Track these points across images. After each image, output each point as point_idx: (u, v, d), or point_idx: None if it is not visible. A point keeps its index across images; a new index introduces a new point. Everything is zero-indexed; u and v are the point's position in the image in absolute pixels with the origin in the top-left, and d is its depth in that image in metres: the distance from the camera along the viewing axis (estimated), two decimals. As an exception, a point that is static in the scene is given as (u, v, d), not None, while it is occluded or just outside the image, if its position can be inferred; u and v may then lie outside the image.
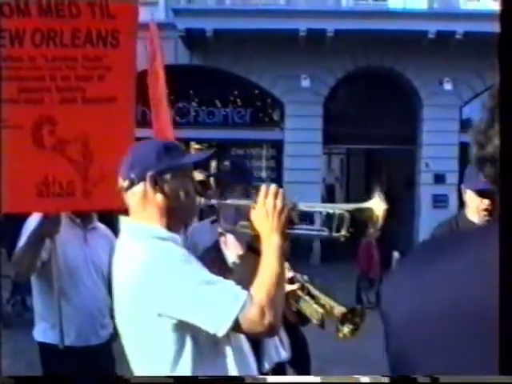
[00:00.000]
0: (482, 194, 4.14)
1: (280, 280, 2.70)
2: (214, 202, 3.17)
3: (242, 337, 2.86)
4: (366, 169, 23.43)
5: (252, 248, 3.00)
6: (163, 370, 2.66)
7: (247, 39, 16.97)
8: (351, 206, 2.98)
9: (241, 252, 3.51)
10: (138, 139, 4.83)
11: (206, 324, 2.54)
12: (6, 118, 4.14)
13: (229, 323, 2.51)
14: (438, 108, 17.83)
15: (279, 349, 3.83)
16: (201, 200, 3.03)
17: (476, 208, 4.24)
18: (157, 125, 5.25)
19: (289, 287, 3.36)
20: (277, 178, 18.40)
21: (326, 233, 2.98)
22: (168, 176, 2.78)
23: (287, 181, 17.74)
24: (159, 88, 5.50)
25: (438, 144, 17.80)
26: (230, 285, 2.61)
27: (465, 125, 17.99)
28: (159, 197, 2.76)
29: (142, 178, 2.76)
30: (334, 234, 2.93)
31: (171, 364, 2.65)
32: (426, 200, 18.34)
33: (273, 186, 2.83)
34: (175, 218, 2.83)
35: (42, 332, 4.64)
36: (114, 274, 2.84)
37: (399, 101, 18.45)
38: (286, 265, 3.04)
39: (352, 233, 2.90)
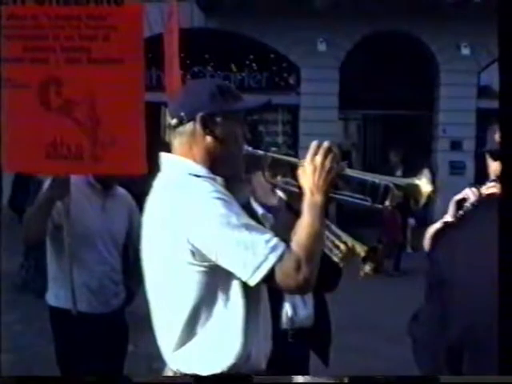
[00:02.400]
0: (493, 155, 4.01)
1: (319, 239, 2.66)
2: (261, 152, 3.06)
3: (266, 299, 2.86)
4: (382, 135, 23.30)
5: (290, 207, 2.97)
6: (188, 321, 2.65)
7: (263, 3, 16.80)
8: (399, 180, 2.92)
9: (272, 202, 3.57)
10: (150, 104, 4.82)
11: (240, 270, 2.52)
12: (12, 77, 4.12)
13: (263, 271, 2.48)
14: (456, 73, 17.67)
15: (298, 309, 3.83)
16: (248, 148, 2.94)
17: (492, 172, 4.14)
18: (169, 84, 5.20)
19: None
20: (292, 143, 18.36)
21: (369, 202, 2.94)
22: (219, 119, 2.74)
23: (303, 146, 17.66)
24: (173, 47, 5.47)
25: (455, 110, 17.67)
26: (269, 233, 2.57)
27: (482, 91, 17.84)
28: (208, 139, 2.73)
29: (192, 118, 2.72)
30: (377, 205, 2.91)
31: (197, 314, 2.64)
32: (442, 166, 18.25)
33: (325, 144, 2.76)
34: (221, 162, 2.77)
35: (54, 296, 4.64)
36: (146, 214, 2.80)
37: (416, 66, 18.30)
38: None
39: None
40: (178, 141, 2.78)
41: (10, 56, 4.11)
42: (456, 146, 18.15)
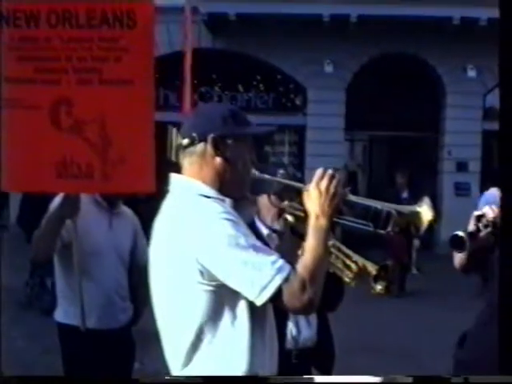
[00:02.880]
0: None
1: (323, 263, 2.72)
2: (267, 177, 3.14)
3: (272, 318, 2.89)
4: (388, 156, 23.32)
5: (295, 231, 3.01)
6: (195, 340, 2.68)
7: (270, 24, 16.89)
8: (401, 207, 2.99)
9: (277, 224, 3.63)
10: (160, 123, 4.86)
11: (247, 289, 2.56)
12: (23, 97, 4.17)
13: (270, 291, 2.52)
14: (462, 95, 17.72)
15: (302, 329, 3.85)
16: (255, 172, 3.01)
17: None
18: (183, 105, 5.25)
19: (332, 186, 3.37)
20: (299, 164, 18.38)
21: (371, 228, 3.00)
22: (230, 141, 2.79)
23: (309, 167, 17.69)
24: (186, 68, 5.54)
25: (460, 132, 17.69)
26: (275, 255, 2.62)
27: (488, 113, 17.86)
28: (218, 160, 2.77)
29: (203, 139, 2.76)
30: (379, 231, 2.98)
31: (203, 332, 2.67)
32: (448, 188, 18.26)
33: (330, 171, 2.81)
34: (229, 184, 2.82)
35: (63, 313, 4.66)
36: (155, 233, 2.84)
37: (422, 88, 18.34)
38: None
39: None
40: (187, 161, 2.82)
41: (22, 77, 4.17)
42: (461, 167, 18.16)
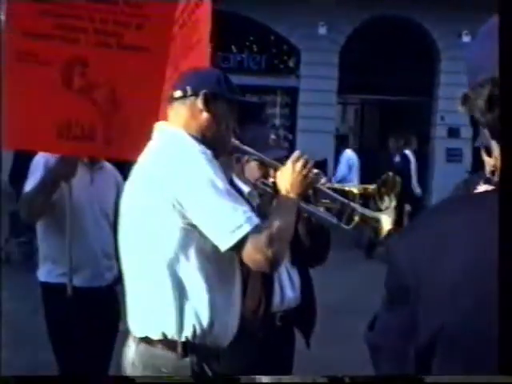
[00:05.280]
0: (488, 151, 3.96)
1: (288, 231, 2.82)
2: (246, 148, 3.32)
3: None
4: (380, 120, 23.27)
5: (261, 213, 3.01)
6: (160, 281, 2.73)
7: (265, -16, 16.72)
8: (365, 210, 3.20)
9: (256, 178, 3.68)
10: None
11: (214, 232, 2.63)
12: (38, 53, 4.10)
13: (235, 238, 2.58)
14: (456, 61, 17.61)
15: (286, 289, 3.84)
16: (234, 141, 3.18)
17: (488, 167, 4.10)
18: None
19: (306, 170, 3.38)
20: (290, 126, 18.33)
21: (334, 221, 3.30)
22: (219, 101, 2.93)
23: (300, 129, 17.65)
24: None
25: (454, 98, 17.61)
26: (248, 206, 2.72)
27: (482, 79, 17.80)
28: (205, 115, 2.90)
29: (195, 93, 2.90)
30: (341, 225, 3.25)
31: (169, 275, 2.71)
32: (440, 154, 18.26)
33: (305, 156, 3.03)
34: (210, 140, 2.92)
35: (47, 272, 4.63)
36: (133, 176, 2.92)
37: (416, 52, 18.27)
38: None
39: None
40: (174, 112, 2.95)
41: (40, 31, 4.09)
42: (453, 133, 18.15)
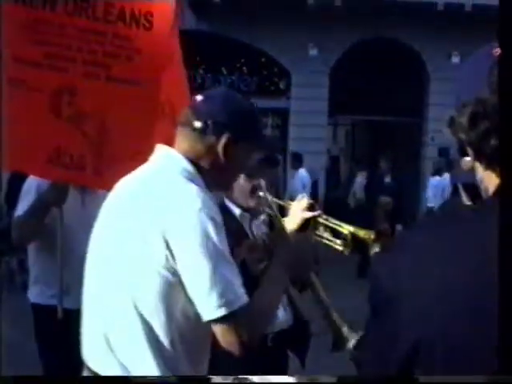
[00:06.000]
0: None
1: (272, 313, 2.88)
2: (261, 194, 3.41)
3: None
4: (371, 141, 23.37)
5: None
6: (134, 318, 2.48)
7: (255, 6, 16.82)
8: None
9: (250, 204, 3.71)
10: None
11: (199, 300, 2.40)
12: (28, 79, 4.11)
13: (220, 313, 2.37)
14: (446, 82, 17.71)
15: (278, 310, 3.83)
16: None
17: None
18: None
19: (309, 214, 3.42)
20: (282, 148, 18.36)
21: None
22: (240, 145, 2.62)
23: (292, 150, 17.70)
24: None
25: (444, 119, 17.70)
26: (239, 280, 2.47)
27: (472, 99, 17.90)
28: (221, 160, 2.60)
29: (217, 132, 2.57)
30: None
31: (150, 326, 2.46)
32: (430, 173, 18.32)
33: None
34: (217, 182, 2.71)
35: (38, 293, 4.62)
36: (118, 197, 2.76)
37: (406, 73, 18.35)
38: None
39: None
40: (184, 138, 2.62)
41: (30, 59, 4.10)
42: (443, 153, 18.21)
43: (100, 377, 2.57)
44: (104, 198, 4.79)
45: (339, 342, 3.33)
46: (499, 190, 1.43)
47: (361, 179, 15.45)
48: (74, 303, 4.50)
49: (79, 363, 4.17)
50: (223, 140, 2.57)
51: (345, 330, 3.34)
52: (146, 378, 2.52)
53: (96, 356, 2.67)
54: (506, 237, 1.30)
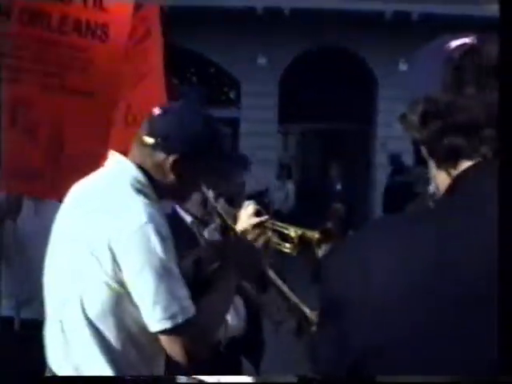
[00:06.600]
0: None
1: (220, 324, 2.90)
2: (211, 201, 3.40)
3: None
4: (321, 148, 23.48)
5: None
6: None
7: (203, 16, 16.81)
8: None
9: (201, 212, 3.78)
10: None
11: (145, 310, 2.43)
12: None
13: (165, 326, 2.41)
14: (394, 88, 17.90)
15: (230, 317, 3.82)
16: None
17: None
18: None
19: (256, 219, 3.41)
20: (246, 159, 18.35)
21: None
22: (191, 163, 2.60)
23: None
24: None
25: (393, 124, 17.89)
26: (186, 291, 2.49)
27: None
28: (169, 176, 2.60)
29: (166, 151, 2.56)
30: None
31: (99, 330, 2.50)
32: (381, 180, 18.43)
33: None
34: (169, 194, 2.74)
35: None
36: (76, 197, 2.72)
37: (355, 81, 18.50)
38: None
39: None
40: (138, 147, 2.63)
41: None
42: (394, 159, 18.37)
43: (95, 377, 2.58)
44: (56, 204, 4.76)
45: (304, 325, 3.38)
46: (452, 189, 1.43)
47: (291, 186, 15.59)
48: (34, 312, 4.47)
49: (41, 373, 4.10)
50: (171, 158, 2.57)
51: (308, 312, 3.40)
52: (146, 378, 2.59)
53: (55, 358, 2.70)
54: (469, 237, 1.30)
